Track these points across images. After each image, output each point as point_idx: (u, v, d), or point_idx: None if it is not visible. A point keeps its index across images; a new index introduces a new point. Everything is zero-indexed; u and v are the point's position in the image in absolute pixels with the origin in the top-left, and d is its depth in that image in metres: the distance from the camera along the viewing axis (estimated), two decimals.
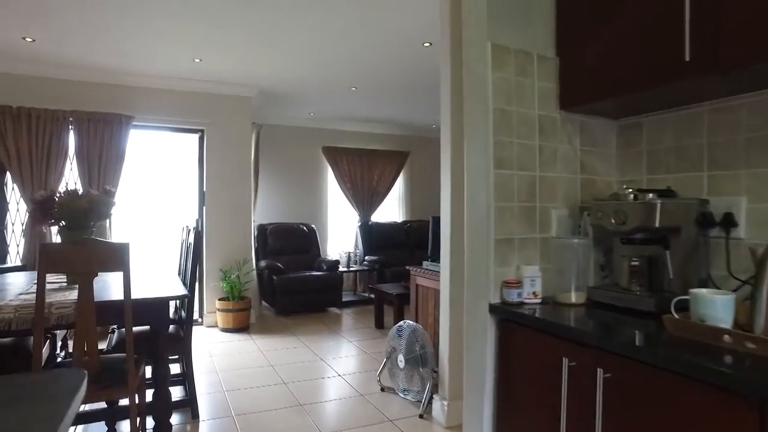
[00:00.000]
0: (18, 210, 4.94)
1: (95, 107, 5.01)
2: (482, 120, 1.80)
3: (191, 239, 3.57)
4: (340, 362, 4.33)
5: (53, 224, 3.12)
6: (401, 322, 3.46)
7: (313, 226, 7.25)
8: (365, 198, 7.98)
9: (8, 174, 4.82)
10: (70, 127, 4.94)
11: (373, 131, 8.18)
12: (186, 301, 3.30)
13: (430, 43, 4.29)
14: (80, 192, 3.17)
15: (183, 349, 3.15)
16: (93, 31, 3.97)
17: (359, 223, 7.78)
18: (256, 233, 6.70)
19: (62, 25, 3.86)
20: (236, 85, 5.54)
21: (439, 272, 3.18)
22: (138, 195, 5.46)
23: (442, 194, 2.63)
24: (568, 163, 1.94)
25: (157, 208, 5.60)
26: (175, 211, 5.63)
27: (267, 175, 7.32)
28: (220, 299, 5.37)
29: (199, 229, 5.47)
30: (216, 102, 5.55)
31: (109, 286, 2.92)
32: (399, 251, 7.58)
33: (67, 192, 3.14)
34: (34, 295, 2.79)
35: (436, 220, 3.56)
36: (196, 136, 5.63)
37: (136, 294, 2.77)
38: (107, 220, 5.02)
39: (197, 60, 4.67)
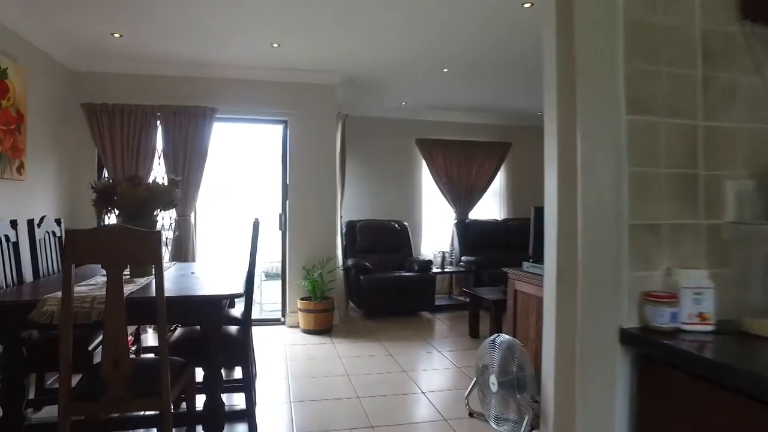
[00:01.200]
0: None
1: (180, 101, 4.94)
2: (606, 38, 1.15)
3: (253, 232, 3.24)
4: (426, 376, 3.78)
5: (114, 213, 2.92)
6: (495, 336, 2.82)
7: (405, 223, 6.76)
8: (462, 193, 7.33)
9: (104, 170, 4.91)
10: (158, 122, 4.92)
11: (470, 121, 7.51)
12: (246, 300, 2.96)
13: (531, 3, 3.58)
14: (143, 180, 2.96)
15: (241, 353, 2.80)
16: (173, 22, 3.83)
17: (455, 221, 7.15)
18: (344, 230, 6.37)
19: (145, 19, 3.78)
20: (320, 72, 5.21)
21: (542, 275, 2.50)
22: (222, 189, 5.34)
23: (546, 166, 1.95)
24: (753, 105, 1.22)
25: (241, 202, 5.45)
26: (258, 204, 5.44)
27: (356, 170, 6.97)
28: (302, 299, 5.07)
29: (282, 223, 5.22)
30: (299, 91, 5.27)
31: (170, 280, 2.65)
32: (498, 252, 6.82)
33: (127, 179, 2.93)
34: (91, 287, 2.60)
35: (539, 211, 2.86)
36: (279, 127, 5.39)
37: (181, 291, 2.47)
38: (191, 214, 4.93)
39: (275, 45, 4.38)
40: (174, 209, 5.00)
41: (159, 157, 4.99)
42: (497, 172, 7.56)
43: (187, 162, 4.92)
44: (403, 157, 7.27)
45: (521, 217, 7.48)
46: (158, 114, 4.90)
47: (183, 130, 4.92)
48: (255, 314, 6.16)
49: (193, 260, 4.92)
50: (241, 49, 4.52)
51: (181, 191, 3.22)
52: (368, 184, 7.09)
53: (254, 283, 3.30)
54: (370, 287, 5.61)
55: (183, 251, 4.86)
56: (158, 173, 5.06)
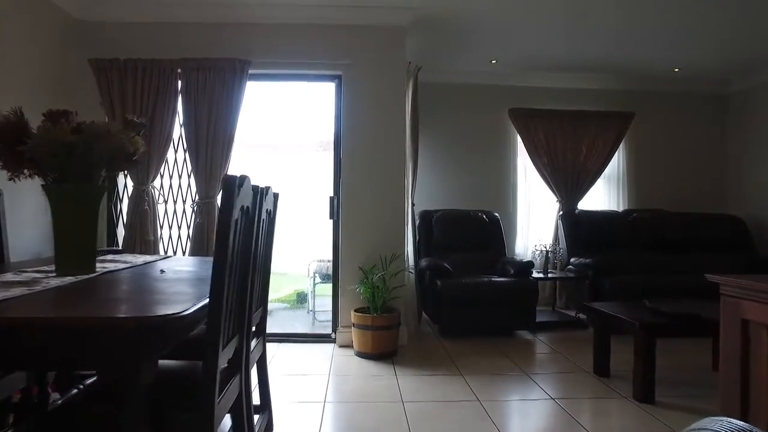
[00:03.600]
0: (126, 183, 4.06)
1: (205, 52, 3.87)
2: None
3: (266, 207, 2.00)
4: None
5: (30, 173, 1.80)
6: (708, 421, 1.35)
7: (495, 214, 5.30)
8: (569, 178, 5.73)
9: None
10: (178, 80, 3.89)
11: (579, 86, 5.88)
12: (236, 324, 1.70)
13: None
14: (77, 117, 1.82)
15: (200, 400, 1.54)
16: None
17: (560, 212, 5.57)
18: (418, 221, 5.04)
19: None
20: (382, 9, 3.93)
21: None
22: (258, 164, 4.21)
23: None
24: None
25: (283, 181, 4.30)
26: (304, 185, 4.26)
27: (433, 146, 5.62)
28: (356, 310, 3.80)
29: (334, 210, 3.98)
30: (357, 35, 4.02)
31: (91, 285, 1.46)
32: (621, 252, 5.16)
33: (49, 115, 1.80)
34: None
35: None
36: (331, 86, 4.17)
37: (59, 310, 1.28)
38: (217, 196, 3.83)
39: None
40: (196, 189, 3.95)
41: (180, 125, 3.97)
42: (615, 151, 5.86)
43: (213, 130, 3.83)
44: (492, 131, 5.81)
45: (650, 207, 5.75)
46: (178, 71, 3.87)
47: (208, 90, 3.84)
48: (306, 327, 5.06)
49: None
50: None
51: (145, 144, 2.04)
52: (448, 165, 5.70)
53: (262, 288, 2.07)
54: (449, 296, 4.23)
55: (205, 242, 3.77)
56: (179, 143, 4.04)
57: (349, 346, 3.89)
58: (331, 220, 4.14)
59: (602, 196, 6.02)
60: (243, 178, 1.57)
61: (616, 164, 5.96)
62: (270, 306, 6.07)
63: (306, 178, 4.41)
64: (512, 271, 4.52)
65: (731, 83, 5.94)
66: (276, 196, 2.29)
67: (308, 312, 5.41)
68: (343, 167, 4.05)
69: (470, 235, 5.03)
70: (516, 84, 5.79)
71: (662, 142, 6.02)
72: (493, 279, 4.43)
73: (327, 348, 3.96)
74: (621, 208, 5.85)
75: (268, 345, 2.93)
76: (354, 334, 3.76)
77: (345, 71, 4.03)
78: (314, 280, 5.28)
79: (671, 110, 6.04)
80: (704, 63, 5.35)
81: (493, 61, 5.31)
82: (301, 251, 5.84)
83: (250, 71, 3.92)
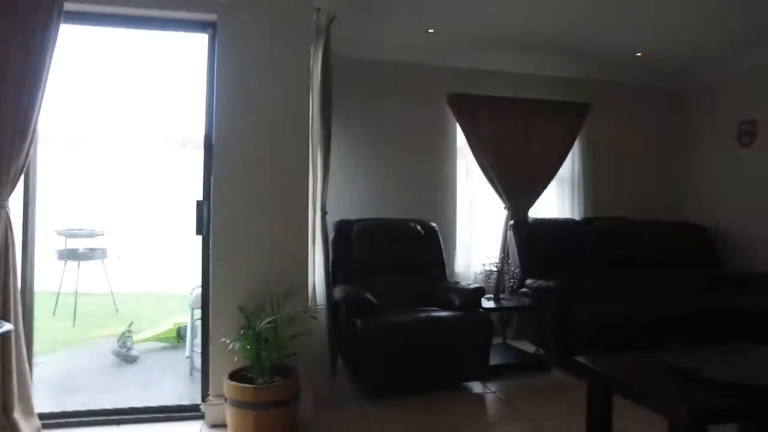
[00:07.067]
0: None
1: None
2: None
3: None
4: None
5: None
6: None
7: (433, 224, 4.16)
8: (519, 179, 4.72)
9: None
10: None
11: (531, 70, 4.90)
12: None
13: None
14: None
15: None
16: None
17: (512, 222, 4.53)
18: (333, 235, 3.80)
19: None
20: None
21: None
22: (84, 153, 2.80)
23: None
24: None
25: (125, 180, 2.91)
26: (158, 187, 2.90)
27: (350, 139, 4.41)
28: (233, 375, 2.49)
29: (203, 227, 2.66)
30: None
31: None
32: (586, 271, 4.21)
33: None
34: None
35: None
36: (201, 38, 2.83)
37: None
38: (8, 199, 2.37)
39: None
40: None
41: None
42: (570, 148, 4.94)
43: (10, 98, 2.39)
44: (428, 121, 4.68)
45: (608, 215, 4.87)
46: None
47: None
48: (181, 380, 3.60)
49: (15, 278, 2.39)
50: None
51: None
52: (372, 162, 4.51)
53: None
54: (374, 343, 3.01)
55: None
56: None
57: (222, 425, 2.55)
58: (200, 236, 2.79)
59: (555, 202, 5.09)
60: None
61: (570, 164, 5.05)
62: (140, 346, 4.60)
63: (159, 175, 3.02)
64: (458, 302, 3.39)
65: (691, 74, 5.21)
66: None
67: (187, 357, 4.00)
68: (217, 159, 2.73)
69: (402, 253, 3.86)
70: (458, 65, 4.71)
71: (620, 140, 5.18)
72: (433, 314, 3.26)
73: (193, 427, 2.61)
74: (576, 216, 4.94)
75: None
76: (229, 415, 2.44)
77: (222, 14, 2.71)
78: (193, 314, 3.87)
79: (630, 103, 5.22)
80: (668, 49, 4.56)
81: (430, 31, 4.18)
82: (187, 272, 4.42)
83: (70, 8, 2.52)
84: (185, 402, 2.90)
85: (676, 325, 3.53)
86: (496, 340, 4.13)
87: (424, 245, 3.96)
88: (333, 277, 3.63)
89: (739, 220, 4.74)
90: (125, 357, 4.08)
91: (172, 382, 3.56)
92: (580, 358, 2.31)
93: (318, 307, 2.98)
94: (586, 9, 3.74)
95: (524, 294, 4.00)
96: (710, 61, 4.84)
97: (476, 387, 3.31)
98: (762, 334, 3.45)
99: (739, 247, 4.72)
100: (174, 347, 4.65)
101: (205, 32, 2.79)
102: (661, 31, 4.14)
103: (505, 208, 4.69)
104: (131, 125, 3.30)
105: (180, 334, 4.72)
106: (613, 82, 5.13)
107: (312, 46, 2.95)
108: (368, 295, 3.21)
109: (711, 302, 3.78)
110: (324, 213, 3.30)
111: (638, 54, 4.71)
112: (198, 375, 3.26)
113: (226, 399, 2.43)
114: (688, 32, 4.16)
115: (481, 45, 4.50)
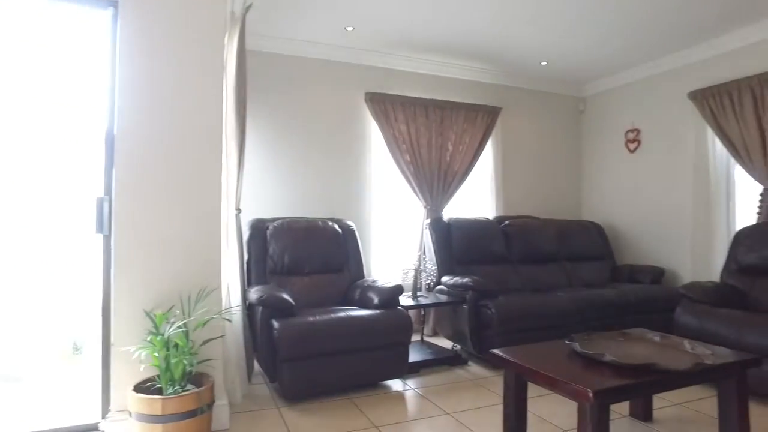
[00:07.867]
0: None
1: None
2: None
3: None
4: None
5: None
6: None
7: (350, 223, 4.12)
8: (435, 178, 4.84)
9: None
10: None
11: (447, 74, 5.05)
12: None
13: None
14: None
15: None
16: None
17: (428, 221, 4.62)
18: (248, 234, 3.64)
19: None
20: None
21: None
22: None
23: None
24: None
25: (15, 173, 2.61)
26: (48, 177, 2.62)
27: (266, 134, 4.28)
28: (138, 387, 2.29)
29: (104, 225, 2.41)
30: None
31: None
32: (500, 267, 4.40)
33: None
34: None
35: None
36: (102, 15, 2.59)
37: None
38: None
39: None
40: None
41: None
42: (482, 149, 5.14)
43: None
44: (346, 119, 4.66)
45: (518, 214, 5.13)
46: None
47: None
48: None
49: None
50: None
51: None
52: (288, 159, 4.40)
53: None
54: (292, 345, 2.91)
55: None
56: None
57: None
58: (101, 235, 2.54)
59: (472, 201, 5.25)
60: None
61: (485, 165, 5.25)
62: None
63: (49, 164, 2.73)
64: (376, 300, 3.38)
65: (588, 84, 5.64)
66: None
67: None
68: (119, 152, 2.49)
69: (319, 252, 3.78)
70: (376, 65, 4.73)
71: (527, 143, 5.49)
72: (351, 314, 3.22)
73: None
74: (492, 215, 5.14)
75: None
76: (135, 428, 2.23)
77: None
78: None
79: (535, 108, 5.55)
80: (569, 60, 4.90)
81: (349, 29, 4.15)
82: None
83: None
84: (80, 422, 2.61)
85: (581, 314, 3.79)
86: (414, 338, 4.21)
87: (342, 244, 3.91)
88: (248, 277, 3.48)
89: (627, 219, 5.22)
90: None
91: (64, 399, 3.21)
92: (495, 350, 2.40)
93: (233, 309, 2.84)
94: (497, 19, 3.92)
95: (441, 291, 4.09)
96: (603, 72, 5.28)
97: (396, 385, 3.32)
98: (653, 318, 3.83)
99: (628, 242, 5.20)
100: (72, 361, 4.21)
101: (107, 9, 2.54)
102: (564, 44, 4.46)
103: (424, 207, 4.78)
104: (17, 110, 2.94)
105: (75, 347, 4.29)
106: (521, 89, 5.42)
107: (226, 35, 2.80)
108: (285, 296, 3.10)
109: (610, 293, 4.10)
110: (238, 211, 3.15)
111: (543, 63, 5.01)
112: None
113: (130, 414, 2.22)
114: (586, 46, 4.51)
115: (399, 46, 4.53)
